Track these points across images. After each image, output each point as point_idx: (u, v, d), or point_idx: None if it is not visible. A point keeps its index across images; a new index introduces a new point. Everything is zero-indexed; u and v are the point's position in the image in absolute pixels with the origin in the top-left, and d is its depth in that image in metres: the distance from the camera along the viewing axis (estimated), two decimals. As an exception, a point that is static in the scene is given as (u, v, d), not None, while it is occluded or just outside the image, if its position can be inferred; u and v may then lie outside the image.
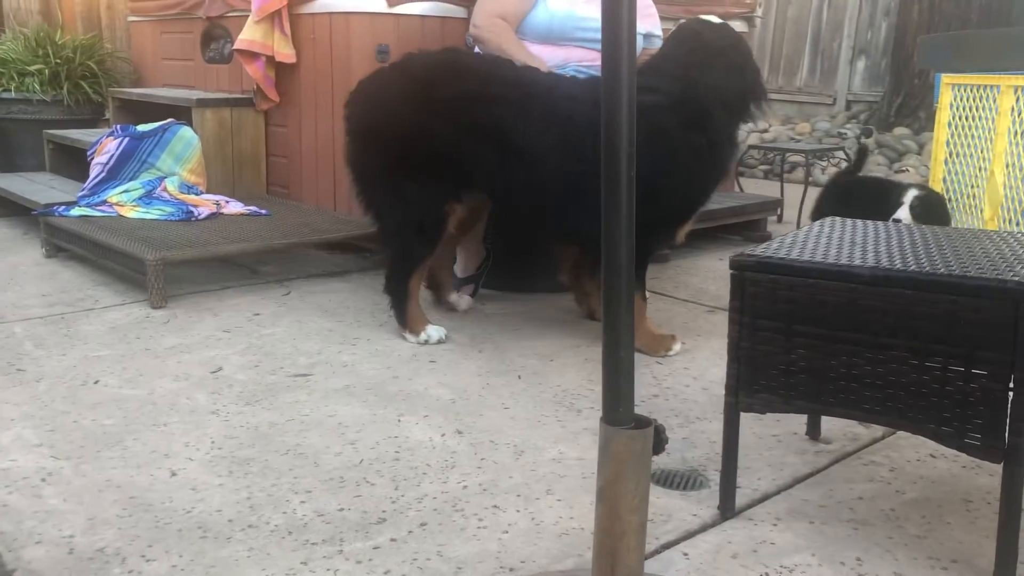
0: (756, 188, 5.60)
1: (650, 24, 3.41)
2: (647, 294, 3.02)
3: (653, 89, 2.67)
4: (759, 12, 5.31)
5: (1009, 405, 1.53)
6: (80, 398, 2.38)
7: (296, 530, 1.78)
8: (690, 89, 2.68)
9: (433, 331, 2.90)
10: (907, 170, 6.53)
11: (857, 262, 1.68)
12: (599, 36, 1.26)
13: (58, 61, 5.09)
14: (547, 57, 3.13)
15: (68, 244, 3.71)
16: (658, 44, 3.44)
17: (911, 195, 3.41)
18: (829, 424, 2.27)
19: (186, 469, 2.01)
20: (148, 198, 3.92)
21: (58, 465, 2.01)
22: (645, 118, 2.69)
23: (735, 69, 2.74)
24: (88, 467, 2.01)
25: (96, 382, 2.50)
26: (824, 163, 6.58)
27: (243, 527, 1.78)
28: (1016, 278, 1.52)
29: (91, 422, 2.24)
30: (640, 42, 3.37)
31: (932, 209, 3.41)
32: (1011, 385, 1.52)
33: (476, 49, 3.34)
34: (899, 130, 7.54)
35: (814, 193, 5.41)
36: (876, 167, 6.70)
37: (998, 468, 1.57)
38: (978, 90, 3.69)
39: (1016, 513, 1.55)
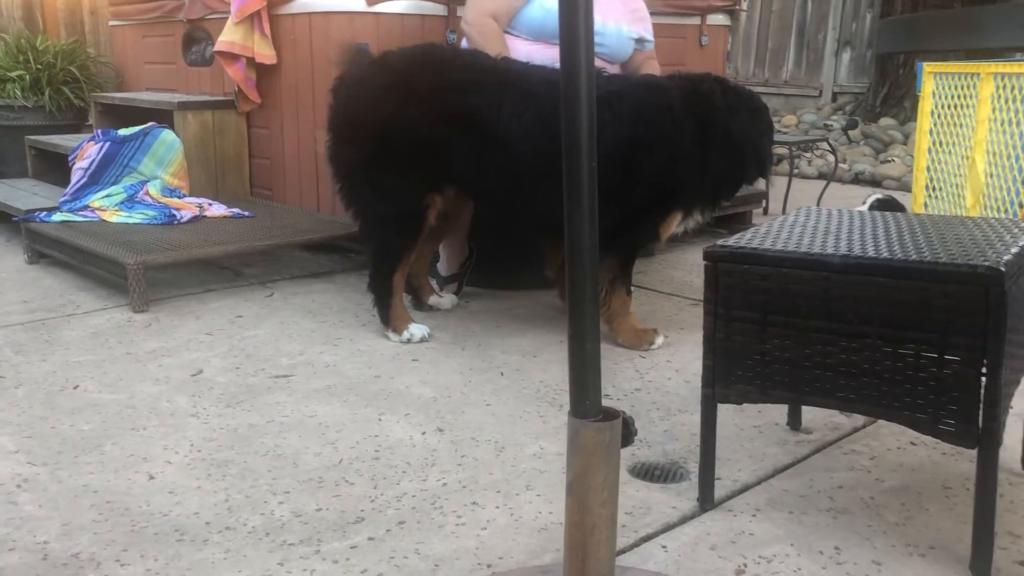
0: (742, 181, 5.59)
1: (642, 28, 3.39)
2: (631, 288, 3.01)
3: (670, 80, 2.85)
4: (743, 5, 5.29)
5: (982, 390, 1.53)
6: (59, 404, 2.37)
7: (274, 531, 1.77)
8: (709, 97, 2.78)
9: (416, 329, 2.89)
10: (892, 160, 6.53)
11: (830, 250, 1.67)
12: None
13: (39, 67, 5.07)
14: (537, 56, 3.10)
15: (50, 250, 3.68)
16: (650, 48, 3.43)
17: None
18: (810, 414, 2.27)
19: (164, 472, 2.00)
20: (130, 202, 3.91)
21: (34, 471, 2.00)
22: (649, 104, 2.74)
23: (759, 129, 2.86)
24: (65, 473, 1.99)
25: (75, 387, 2.48)
26: (809, 155, 6.59)
27: (220, 529, 1.77)
28: (987, 263, 1.52)
29: (69, 427, 2.23)
30: (631, 45, 3.35)
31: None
32: (983, 370, 1.52)
33: (463, 44, 3.32)
34: (885, 120, 7.56)
35: (798, 184, 5.42)
36: (862, 158, 6.71)
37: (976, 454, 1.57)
38: (960, 78, 3.68)
39: (991, 498, 1.55)
